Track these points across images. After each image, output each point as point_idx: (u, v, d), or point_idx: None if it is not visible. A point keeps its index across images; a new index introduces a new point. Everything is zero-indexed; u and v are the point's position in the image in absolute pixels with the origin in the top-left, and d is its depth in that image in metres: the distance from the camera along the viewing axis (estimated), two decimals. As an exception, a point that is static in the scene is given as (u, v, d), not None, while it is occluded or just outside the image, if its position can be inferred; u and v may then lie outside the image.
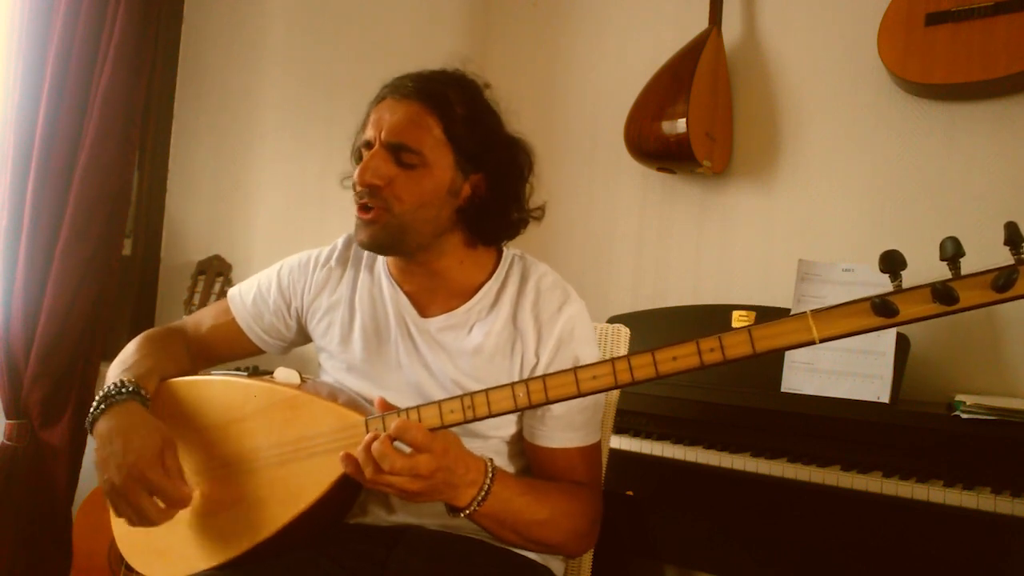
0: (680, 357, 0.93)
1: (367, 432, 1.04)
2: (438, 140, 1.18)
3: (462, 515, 1.04)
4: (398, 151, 1.16)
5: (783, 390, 1.81)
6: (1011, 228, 0.80)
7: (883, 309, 0.85)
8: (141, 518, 1.07)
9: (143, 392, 1.17)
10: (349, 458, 0.99)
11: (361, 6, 2.59)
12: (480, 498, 1.04)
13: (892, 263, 0.84)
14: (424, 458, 0.97)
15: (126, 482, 1.06)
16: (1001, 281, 0.80)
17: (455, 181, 1.20)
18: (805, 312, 0.89)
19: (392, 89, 1.21)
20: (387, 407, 1.06)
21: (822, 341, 0.88)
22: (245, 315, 1.37)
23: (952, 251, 0.82)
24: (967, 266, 0.85)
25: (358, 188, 1.18)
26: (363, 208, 1.18)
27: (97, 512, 2.04)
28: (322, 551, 1.16)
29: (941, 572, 1.50)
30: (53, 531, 2.09)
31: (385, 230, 1.18)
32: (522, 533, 1.11)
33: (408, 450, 0.99)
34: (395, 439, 0.98)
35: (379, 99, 1.22)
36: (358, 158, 1.28)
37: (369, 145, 1.19)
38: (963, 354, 1.94)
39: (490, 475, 1.05)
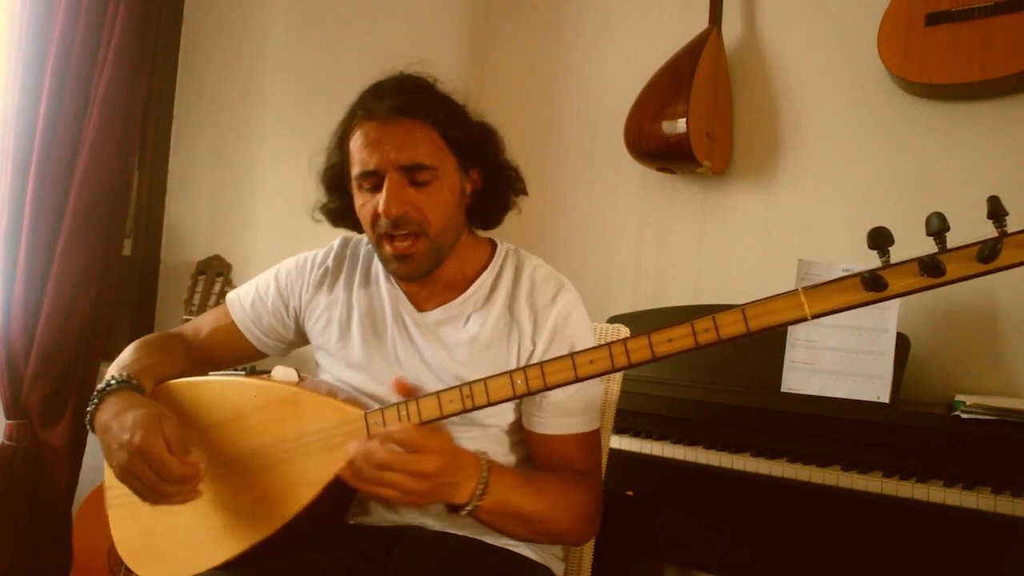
0: (676, 339, 0.93)
1: (367, 426, 1.04)
2: (441, 149, 1.18)
3: (463, 512, 1.04)
4: (412, 172, 1.15)
5: (783, 390, 1.81)
6: (994, 202, 0.81)
7: (872, 283, 0.85)
8: (156, 494, 1.06)
9: (134, 381, 1.17)
10: (349, 464, 0.99)
11: (361, 7, 2.59)
12: (480, 492, 1.04)
13: (880, 239, 0.85)
14: (425, 457, 0.98)
15: (130, 460, 1.05)
16: (986, 252, 0.81)
17: (461, 182, 1.22)
18: (797, 289, 0.89)
19: (369, 113, 1.17)
20: (406, 390, 1.05)
21: (814, 317, 0.89)
22: (244, 318, 1.37)
23: (938, 226, 0.83)
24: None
25: (381, 221, 1.15)
26: (394, 239, 1.16)
27: (97, 512, 2.04)
28: (322, 551, 1.16)
29: (941, 572, 1.50)
30: (53, 531, 2.09)
31: (426, 256, 1.18)
32: (524, 525, 1.11)
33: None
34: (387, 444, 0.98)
35: (352, 127, 1.19)
36: (330, 186, 1.28)
37: (369, 175, 1.16)
38: (963, 354, 1.94)
39: (485, 468, 1.05)
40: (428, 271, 1.20)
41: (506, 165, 1.29)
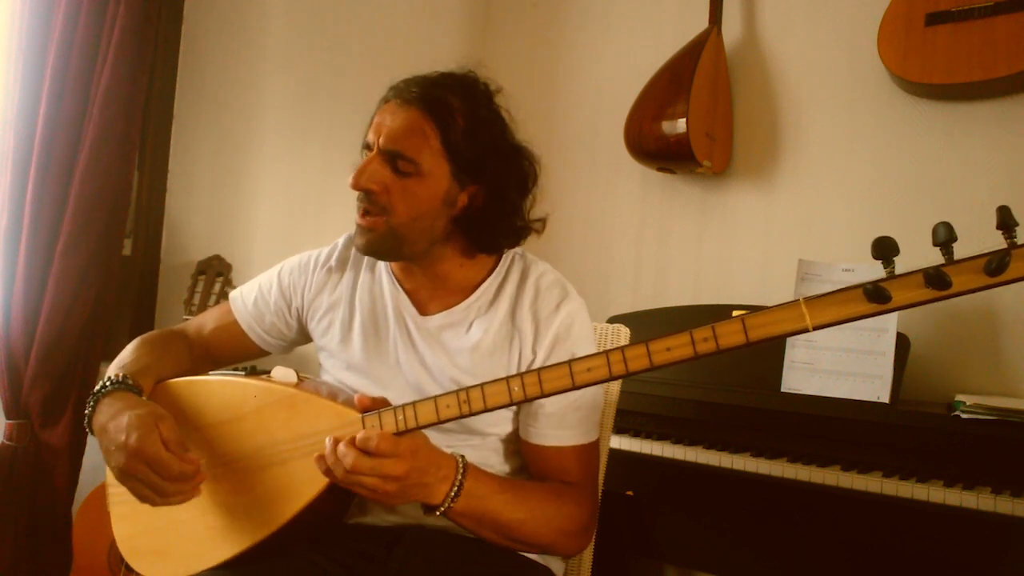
0: (674, 348, 0.92)
1: (364, 429, 1.04)
2: (435, 150, 1.17)
3: (438, 512, 1.05)
4: (394, 158, 1.16)
5: (783, 390, 1.81)
6: (1003, 212, 0.78)
7: (876, 295, 0.83)
8: (158, 494, 1.06)
9: (131, 382, 1.17)
10: (321, 459, 1.01)
11: (361, 6, 2.59)
12: (453, 494, 1.04)
13: (885, 249, 0.83)
14: (392, 462, 0.99)
15: (129, 462, 1.05)
16: (994, 265, 0.79)
17: (451, 191, 1.19)
18: (798, 300, 0.87)
19: (397, 92, 1.20)
20: (367, 405, 1.06)
21: (815, 328, 0.86)
22: (247, 316, 1.37)
23: (945, 236, 0.80)
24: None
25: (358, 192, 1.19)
26: (363, 213, 1.19)
27: (97, 512, 2.04)
28: (322, 551, 1.16)
29: (941, 572, 1.50)
30: (53, 531, 2.09)
31: (381, 238, 1.19)
32: (502, 532, 1.11)
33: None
34: (361, 450, 0.99)
35: (385, 100, 1.22)
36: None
37: (369, 147, 1.20)
38: (963, 354, 1.94)
39: (461, 470, 1.06)
40: (384, 254, 1.23)
41: (509, 197, 1.24)
